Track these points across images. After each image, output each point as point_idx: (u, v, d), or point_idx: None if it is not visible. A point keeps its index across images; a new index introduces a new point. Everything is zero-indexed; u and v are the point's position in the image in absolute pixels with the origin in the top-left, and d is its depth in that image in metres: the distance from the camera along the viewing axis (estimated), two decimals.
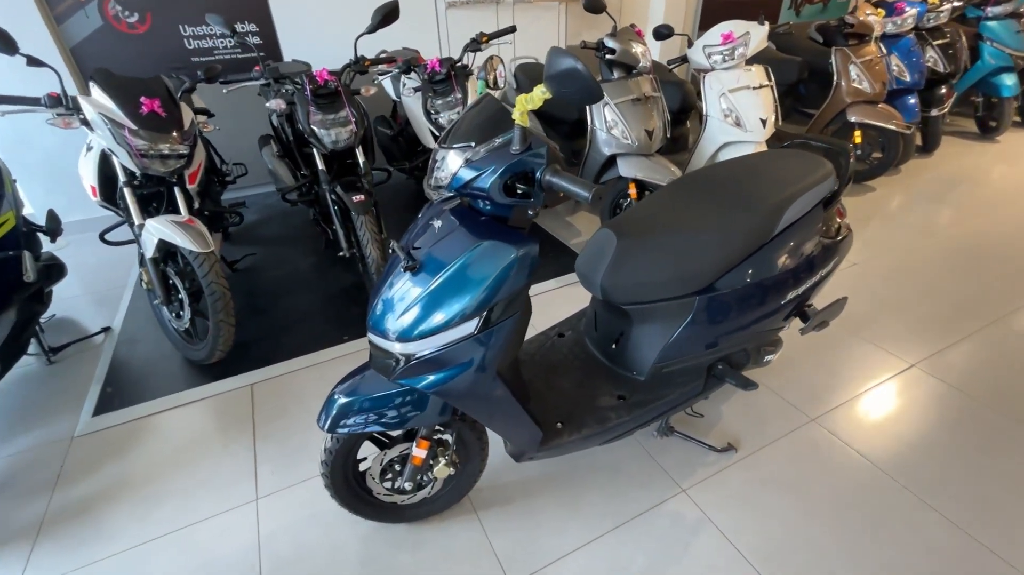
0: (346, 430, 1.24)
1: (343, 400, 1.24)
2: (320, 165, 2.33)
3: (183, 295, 2.04)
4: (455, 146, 1.03)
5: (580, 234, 3.23)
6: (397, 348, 1.11)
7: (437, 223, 1.11)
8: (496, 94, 0.90)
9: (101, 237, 2.21)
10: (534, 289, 2.63)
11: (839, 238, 1.56)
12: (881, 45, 3.58)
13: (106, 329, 2.47)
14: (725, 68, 2.80)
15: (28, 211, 2.46)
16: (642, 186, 2.75)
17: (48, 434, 1.90)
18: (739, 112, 2.79)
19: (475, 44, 2.62)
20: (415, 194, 3.82)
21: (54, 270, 2.35)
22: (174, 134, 1.92)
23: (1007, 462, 1.63)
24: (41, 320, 2.33)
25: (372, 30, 2.27)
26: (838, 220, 1.58)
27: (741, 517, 1.52)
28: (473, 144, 1.00)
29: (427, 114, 2.64)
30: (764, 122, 2.78)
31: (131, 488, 1.68)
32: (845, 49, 3.43)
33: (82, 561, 1.47)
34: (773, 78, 2.88)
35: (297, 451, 1.79)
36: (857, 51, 3.43)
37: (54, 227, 2.36)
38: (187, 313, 2.07)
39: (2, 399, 2.06)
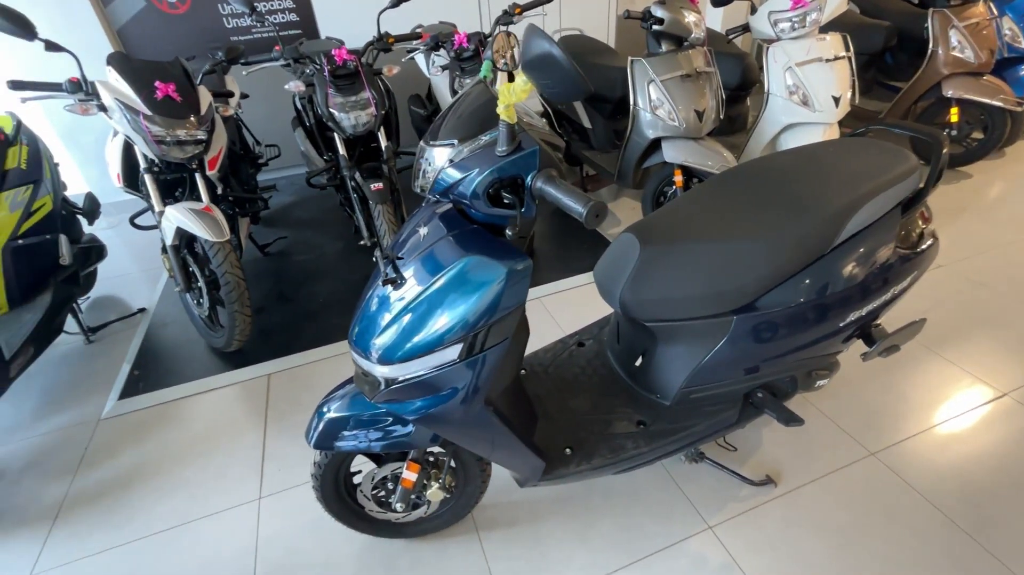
0: (332, 448, 1.15)
1: (331, 416, 1.15)
2: (341, 150, 2.23)
3: (201, 283, 2.03)
4: (438, 143, 0.88)
5: (620, 223, 3.00)
6: (377, 370, 1.00)
7: (424, 229, 0.97)
8: (518, 79, 0.73)
9: (131, 221, 2.24)
10: (561, 285, 2.46)
11: (921, 248, 1.28)
12: (992, 5, 3.03)
13: (142, 310, 2.53)
14: (794, 37, 2.44)
15: (80, 192, 2.54)
16: (689, 173, 2.48)
17: (78, 415, 1.96)
18: (807, 89, 2.44)
19: (507, 17, 2.41)
20: None
21: (93, 252, 2.42)
22: (191, 119, 1.87)
23: None
24: (80, 300, 2.41)
25: (395, 4, 2.12)
26: (921, 226, 1.30)
27: (775, 565, 1.32)
28: (456, 142, 0.85)
29: (453, 94, 2.47)
30: (837, 100, 2.42)
31: (144, 476, 1.70)
32: (945, 11, 2.93)
33: (91, 550, 1.49)
34: (852, 48, 2.49)
35: (305, 449, 1.75)
36: (961, 12, 2.92)
37: (92, 209, 2.42)
38: (206, 301, 2.06)
39: (42, 377, 2.16)
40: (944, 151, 1.23)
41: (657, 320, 1.22)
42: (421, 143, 0.94)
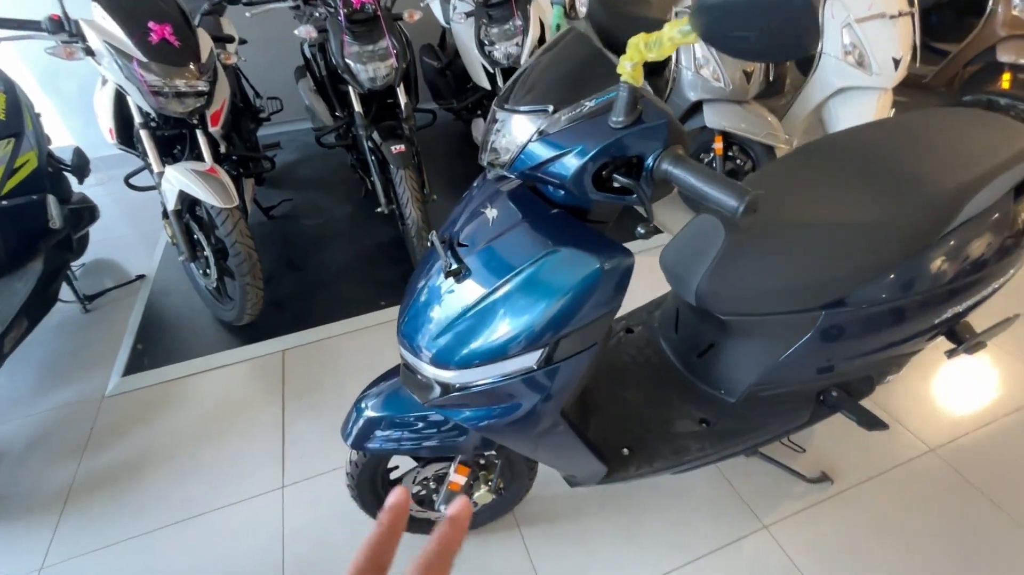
0: (373, 448, 1.04)
1: (371, 414, 1.04)
2: (356, 106, 2.02)
3: (208, 252, 1.87)
4: (523, 108, 0.71)
5: None
6: (430, 372, 0.87)
7: (492, 212, 0.82)
8: (670, 28, 0.56)
9: (126, 181, 2.04)
10: None
11: None
12: None
13: (140, 277, 2.37)
14: None
15: (65, 146, 2.32)
16: (729, 140, 2.30)
17: (80, 391, 1.83)
18: (865, 48, 2.23)
19: None
20: (464, 139, 3.45)
21: (85, 213, 2.23)
22: (190, 67, 1.66)
23: None
24: (74, 266, 2.23)
25: None
26: None
27: (835, 566, 1.26)
28: (551, 109, 0.68)
29: (480, 45, 2.23)
30: (897, 63, 2.22)
31: (158, 460, 1.59)
32: None
33: (105, 540, 1.39)
34: (917, 3, 2.27)
35: (327, 434, 1.64)
36: None
37: (81, 166, 2.21)
38: (213, 271, 1.90)
39: (39, 349, 2.01)
40: None
41: (737, 314, 1.10)
42: (494, 108, 0.78)
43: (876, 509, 1.37)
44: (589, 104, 0.66)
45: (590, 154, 0.63)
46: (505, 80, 2.33)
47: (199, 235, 1.86)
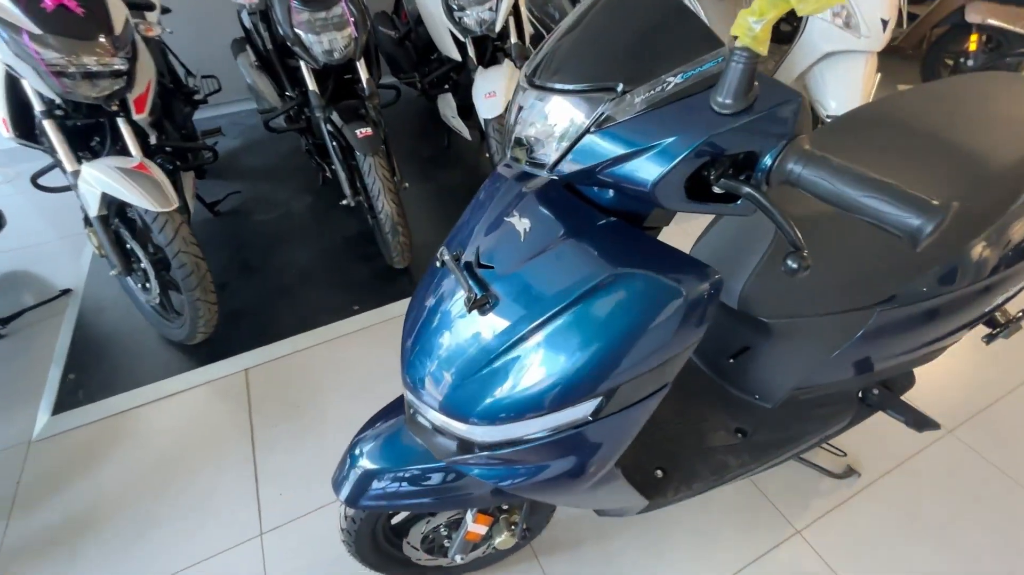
0: (371, 507, 0.86)
1: (367, 465, 0.86)
2: (310, 84, 1.76)
3: (145, 264, 1.59)
4: (571, 87, 0.53)
5: None
6: (444, 421, 0.69)
7: (522, 223, 0.64)
8: None
9: (33, 182, 1.71)
10: None
11: None
12: None
13: (66, 291, 2.04)
14: None
15: None
16: None
17: (0, 437, 1.55)
18: (854, 9, 2.13)
19: None
20: (430, 117, 3.17)
21: None
22: (100, 40, 1.35)
23: None
24: None
25: None
26: None
27: (872, 564, 1.20)
28: (619, 87, 0.50)
29: (448, 10, 1.98)
30: (885, 24, 2.14)
31: (106, 513, 1.36)
32: None
33: None
34: None
35: (307, 465, 1.44)
36: None
37: None
38: (154, 285, 1.63)
39: None
40: None
41: (783, 316, 0.97)
42: (522, 85, 0.59)
43: (904, 500, 1.31)
44: (674, 80, 0.48)
45: (687, 150, 0.46)
46: (477, 50, 2.09)
47: (132, 244, 1.57)
